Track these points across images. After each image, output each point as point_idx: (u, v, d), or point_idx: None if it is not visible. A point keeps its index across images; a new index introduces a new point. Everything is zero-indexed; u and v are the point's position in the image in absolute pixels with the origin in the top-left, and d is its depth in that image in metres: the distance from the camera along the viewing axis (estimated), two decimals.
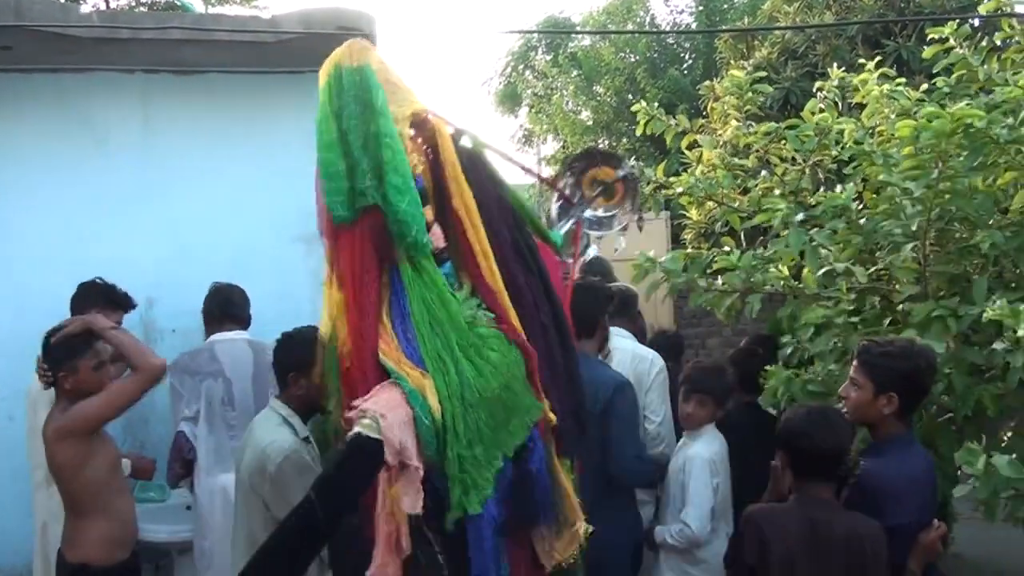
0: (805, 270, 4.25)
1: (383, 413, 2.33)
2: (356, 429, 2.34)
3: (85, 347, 3.68)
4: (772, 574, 2.88)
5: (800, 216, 4.24)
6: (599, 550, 3.02)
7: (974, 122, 3.66)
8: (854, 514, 2.83)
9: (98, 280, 4.62)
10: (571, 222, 3.63)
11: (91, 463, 3.67)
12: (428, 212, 2.70)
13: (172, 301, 5.28)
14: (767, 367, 4.03)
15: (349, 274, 2.62)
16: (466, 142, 2.86)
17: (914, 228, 3.91)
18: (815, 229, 4.16)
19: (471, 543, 2.50)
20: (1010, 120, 3.73)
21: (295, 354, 3.48)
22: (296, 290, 5.46)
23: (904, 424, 3.17)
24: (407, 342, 2.54)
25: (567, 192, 3.63)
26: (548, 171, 17.02)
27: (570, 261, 3.43)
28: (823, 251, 4.14)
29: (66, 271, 5.09)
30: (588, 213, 3.64)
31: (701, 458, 3.90)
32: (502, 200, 2.86)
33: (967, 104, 3.82)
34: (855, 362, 3.19)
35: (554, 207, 3.73)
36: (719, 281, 4.41)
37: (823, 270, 4.13)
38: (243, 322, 4.80)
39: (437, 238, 2.70)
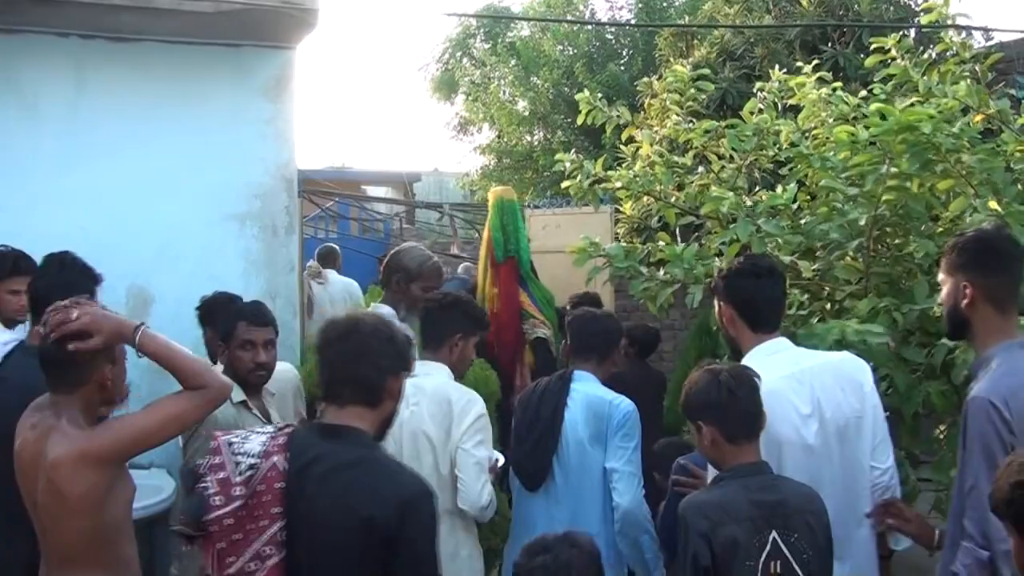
0: None
1: (545, 330, 5.71)
2: (539, 335, 5.72)
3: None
4: None
5: (748, 202, 4.29)
6: None
7: (921, 127, 3.74)
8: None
9: (2, 248, 4.26)
10: None
11: (113, 498, 2.80)
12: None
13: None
14: None
15: (503, 282, 5.68)
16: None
17: (862, 223, 3.98)
18: (762, 219, 4.21)
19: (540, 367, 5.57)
20: (954, 129, 3.81)
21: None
22: (226, 271, 5.39)
23: None
24: (534, 304, 5.74)
25: None
26: (482, 159, 17.04)
27: None
28: (769, 244, 4.20)
29: None
30: None
31: None
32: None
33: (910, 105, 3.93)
34: None
35: None
36: (660, 272, 4.44)
37: None
38: None
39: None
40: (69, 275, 3.71)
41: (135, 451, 2.82)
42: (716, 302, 3.29)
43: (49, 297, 3.32)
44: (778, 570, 2.58)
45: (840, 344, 3.52)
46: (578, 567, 2.48)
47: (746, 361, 3.05)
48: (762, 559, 2.58)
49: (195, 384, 2.81)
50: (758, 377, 2.83)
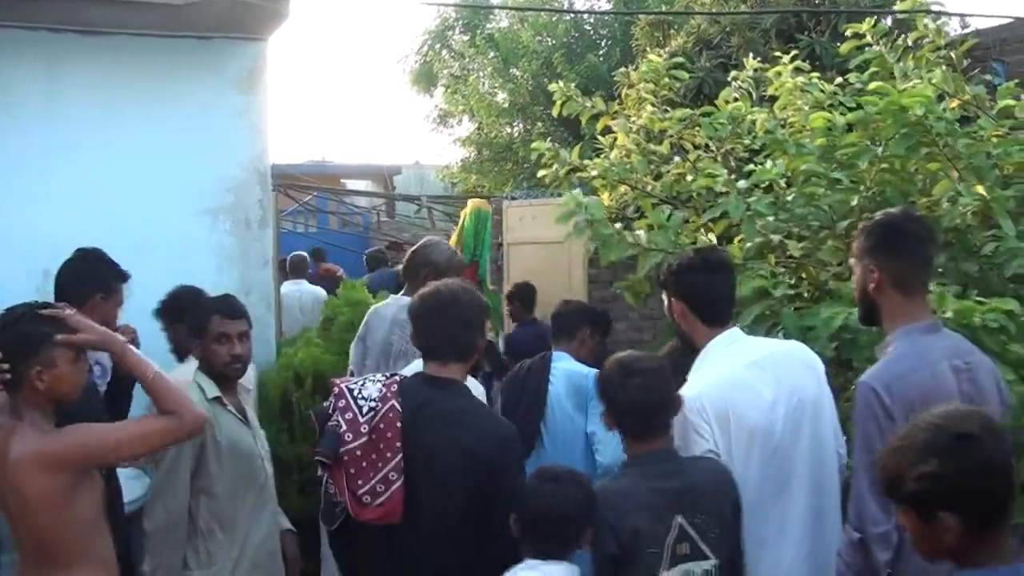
0: (734, 242, 4.27)
1: (491, 333, 5.41)
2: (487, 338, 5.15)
3: (56, 330, 2.81)
4: None
5: (743, 183, 4.24)
6: None
7: (912, 108, 3.71)
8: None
9: None
10: None
11: (78, 498, 2.80)
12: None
13: None
14: None
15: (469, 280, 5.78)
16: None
17: (854, 202, 3.95)
18: (752, 199, 4.17)
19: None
20: (947, 113, 3.79)
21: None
22: (198, 265, 5.32)
23: None
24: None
25: None
26: (462, 151, 16.98)
27: None
28: (758, 223, 4.16)
29: None
30: None
31: None
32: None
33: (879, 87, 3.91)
34: None
35: None
36: (643, 235, 4.31)
37: (756, 240, 4.14)
38: None
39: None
40: (92, 269, 3.82)
41: (94, 463, 2.90)
42: (666, 298, 3.25)
43: (67, 286, 3.68)
44: (687, 551, 2.71)
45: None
46: (576, 499, 2.76)
47: (705, 354, 3.09)
48: (668, 544, 2.70)
49: (166, 407, 2.91)
50: (671, 375, 2.88)
